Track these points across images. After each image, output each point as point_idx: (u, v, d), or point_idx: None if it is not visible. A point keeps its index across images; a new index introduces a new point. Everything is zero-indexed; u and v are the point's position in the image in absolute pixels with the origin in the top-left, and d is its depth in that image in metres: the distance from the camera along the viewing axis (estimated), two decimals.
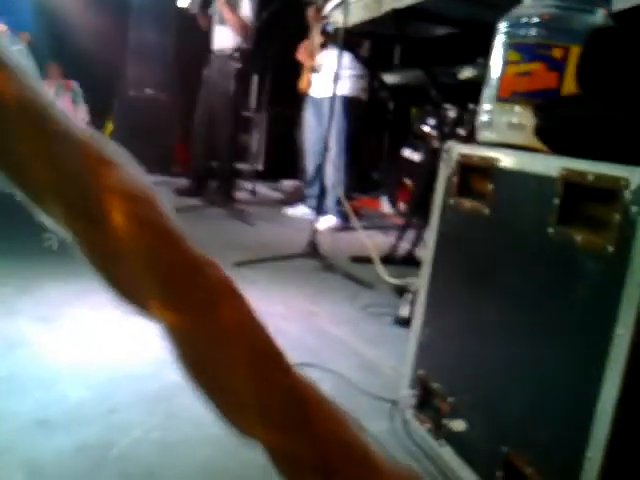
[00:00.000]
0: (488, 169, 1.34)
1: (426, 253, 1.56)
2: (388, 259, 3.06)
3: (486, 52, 1.51)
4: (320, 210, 4.49)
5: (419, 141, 5.41)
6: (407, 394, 1.55)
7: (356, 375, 1.81)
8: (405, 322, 2.31)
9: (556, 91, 1.32)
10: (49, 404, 1.43)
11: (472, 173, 1.43)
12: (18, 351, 1.69)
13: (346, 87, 4.12)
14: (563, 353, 1.08)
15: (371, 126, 6.50)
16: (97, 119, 6.13)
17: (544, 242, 1.14)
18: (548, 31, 1.33)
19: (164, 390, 1.57)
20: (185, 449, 1.33)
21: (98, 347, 1.80)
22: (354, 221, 3.18)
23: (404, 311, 2.31)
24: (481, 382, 1.30)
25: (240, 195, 5.29)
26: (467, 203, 1.41)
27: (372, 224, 4.38)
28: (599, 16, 1.38)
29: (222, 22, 4.43)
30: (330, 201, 4.34)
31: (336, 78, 4.14)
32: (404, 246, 3.25)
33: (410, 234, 3.26)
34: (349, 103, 4.23)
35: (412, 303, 2.33)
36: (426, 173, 5.12)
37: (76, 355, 1.72)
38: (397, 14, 2.56)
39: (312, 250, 3.02)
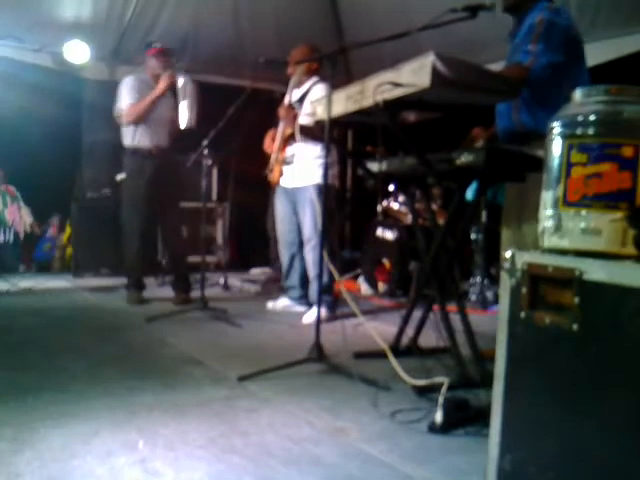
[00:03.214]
0: (569, 280, 1.23)
1: (497, 369, 1.42)
2: (393, 351, 2.90)
3: None
4: (305, 302, 4.34)
5: (390, 220, 5.39)
6: None
7: None
8: (440, 429, 2.15)
9: (631, 191, 1.24)
10: None
11: (544, 283, 1.32)
12: None
13: (318, 176, 4.05)
14: None
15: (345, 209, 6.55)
16: (44, 222, 5.95)
17: None
18: (611, 128, 1.27)
19: None
20: None
21: None
22: (356, 311, 3.01)
23: (438, 417, 2.14)
24: None
25: (213, 290, 5.08)
26: (546, 317, 1.29)
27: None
28: None
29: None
30: (313, 291, 4.19)
31: (310, 168, 4.10)
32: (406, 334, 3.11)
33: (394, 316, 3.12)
34: (323, 191, 4.15)
35: (444, 407, 2.17)
36: (401, 252, 5.06)
37: None
38: (387, 104, 2.52)
39: (316, 353, 2.84)
